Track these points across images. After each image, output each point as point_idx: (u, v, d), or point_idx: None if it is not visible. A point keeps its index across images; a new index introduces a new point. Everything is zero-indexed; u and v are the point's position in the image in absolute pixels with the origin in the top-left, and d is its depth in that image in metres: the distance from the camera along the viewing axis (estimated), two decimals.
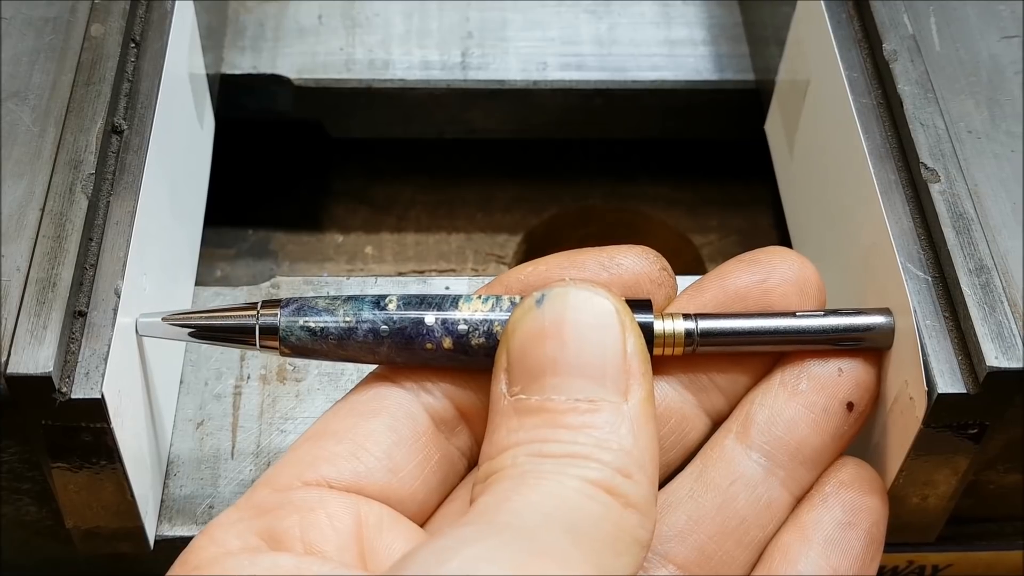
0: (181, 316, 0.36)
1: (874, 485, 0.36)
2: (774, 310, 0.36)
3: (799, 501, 0.36)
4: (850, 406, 0.36)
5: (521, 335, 0.32)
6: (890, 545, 0.36)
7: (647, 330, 0.35)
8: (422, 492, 0.35)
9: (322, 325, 0.35)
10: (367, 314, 0.35)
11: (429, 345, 0.35)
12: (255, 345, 0.35)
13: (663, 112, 0.55)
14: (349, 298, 0.35)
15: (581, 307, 0.32)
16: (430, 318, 0.35)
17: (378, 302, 0.35)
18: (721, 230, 0.58)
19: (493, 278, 0.38)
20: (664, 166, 0.59)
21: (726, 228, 0.58)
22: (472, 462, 0.36)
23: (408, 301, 0.35)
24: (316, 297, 0.36)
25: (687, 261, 0.57)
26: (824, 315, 0.36)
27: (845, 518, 0.35)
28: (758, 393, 0.36)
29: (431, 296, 0.35)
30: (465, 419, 0.36)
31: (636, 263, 0.36)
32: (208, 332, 0.36)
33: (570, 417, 0.31)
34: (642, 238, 0.59)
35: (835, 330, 0.36)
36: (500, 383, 0.33)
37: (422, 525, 0.35)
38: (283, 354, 0.36)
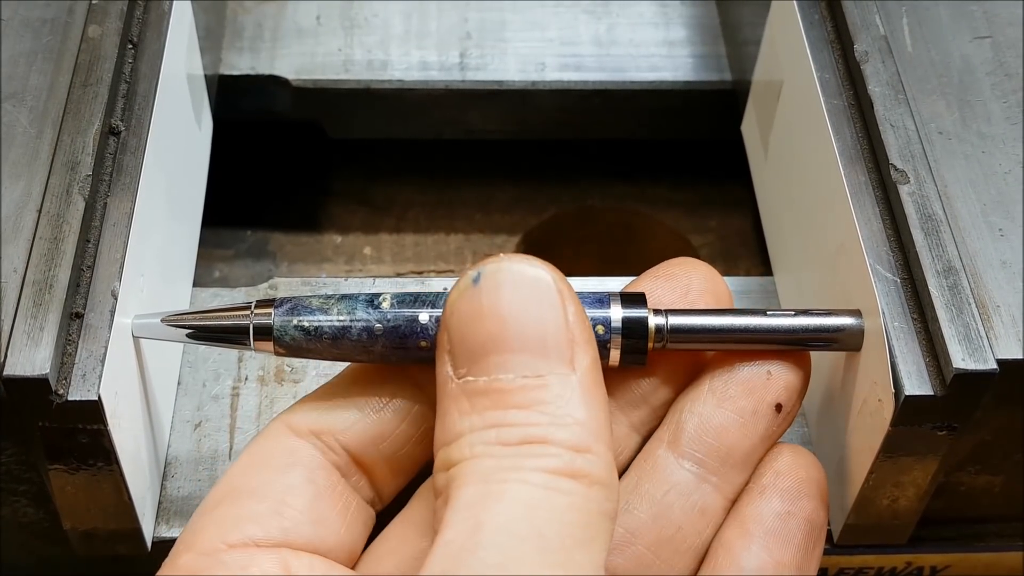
0: (175, 317, 0.36)
1: (811, 471, 0.36)
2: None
3: (736, 500, 0.36)
4: (778, 407, 0.36)
5: (460, 315, 0.32)
6: (863, 547, 0.36)
7: (642, 324, 0.35)
8: (348, 539, 0.35)
9: (316, 324, 0.35)
10: (361, 313, 0.35)
11: (423, 343, 0.35)
12: (249, 345, 0.35)
13: (662, 112, 0.55)
14: (343, 297, 0.35)
15: (517, 281, 0.32)
16: (424, 316, 0.35)
17: (372, 300, 0.35)
18: (720, 231, 0.58)
19: None
20: (663, 166, 0.59)
21: (725, 229, 0.58)
22: (377, 511, 0.37)
23: (402, 299, 0.35)
24: (310, 296, 0.35)
25: None
26: (795, 315, 0.36)
27: (784, 508, 0.35)
28: (687, 401, 0.36)
29: (425, 294, 0.35)
30: (364, 472, 0.36)
31: None
32: (203, 332, 0.36)
33: (520, 395, 0.31)
34: (641, 238, 0.59)
35: (806, 330, 0.36)
36: (445, 366, 0.32)
37: (353, 567, 0.36)
38: (277, 354, 0.36)
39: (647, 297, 0.36)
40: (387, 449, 0.36)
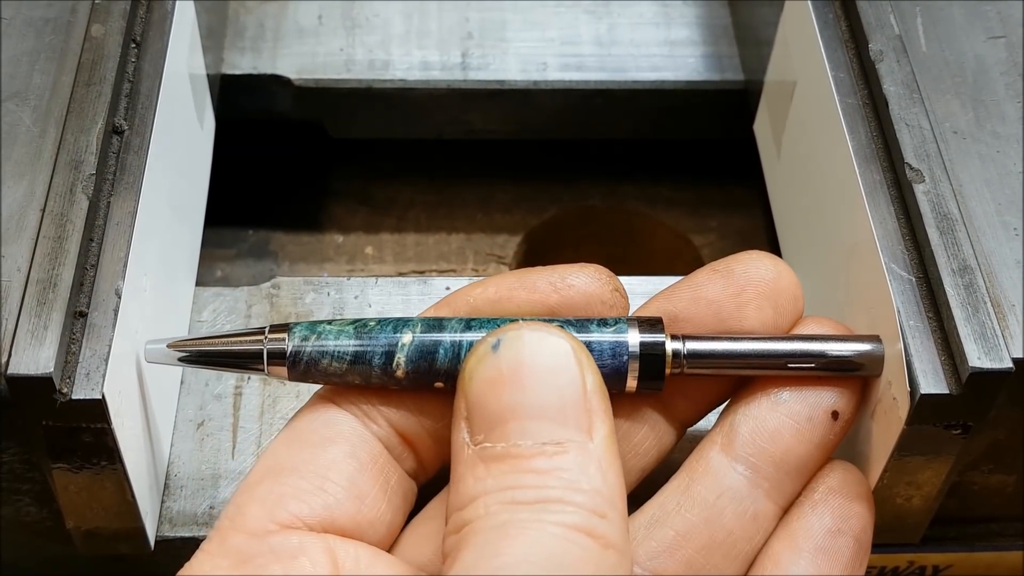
0: (186, 343, 0.36)
1: (861, 489, 0.36)
2: (750, 322, 0.36)
3: (788, 509, 0.36)
4: (835, 415, 0.36)
5: (479, 382, 0.32)
6: (874, 546, 0.36)
7: (659, 348, 0.35)
8: (388, 514, 0.35)
9: (332, 377, 0.35)
10: (376, 377, 0.35)
11: (439, 384, 0.35)
12: (264, 372, 0.36)
13: (663, 112, 0.55)
14: (357, 351, 0.35)
15: (537, 349, 0.32)
16: (439, 383, 0.35)
17: (387, 365, 0.35)
18: (721, 231, 0.58)
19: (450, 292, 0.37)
20: (664, 166, 0.59)
21: (726, 229, 0.58)
22: (420, 484, 0.37)
23: (419, 354, 0.35)
24: (321, 352, 0.35)
25: (687, 262, 0.57)
26: (812, 344, 0.36)
27: (835, 525, 0.35)
28: (741, 404, 0.36)
29: (441, 347, 0.35)
30: (408, 444, 0.36)
31: (588, 283, 0.36)
32: (216, 359, 0.36)
33: (538, 461, 0.31)
34: (642, 239, 0.59)
35: (823, 356, 0.36)
36: (461, 432, 0.32)
37: (392, 547, 0.36)
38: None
39: (699, 291, 0.36)
40: (429, 421, 0.36)
